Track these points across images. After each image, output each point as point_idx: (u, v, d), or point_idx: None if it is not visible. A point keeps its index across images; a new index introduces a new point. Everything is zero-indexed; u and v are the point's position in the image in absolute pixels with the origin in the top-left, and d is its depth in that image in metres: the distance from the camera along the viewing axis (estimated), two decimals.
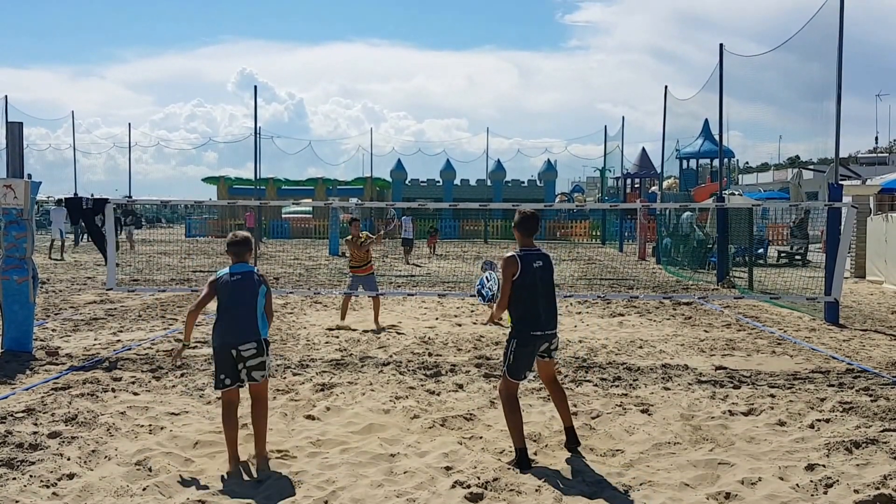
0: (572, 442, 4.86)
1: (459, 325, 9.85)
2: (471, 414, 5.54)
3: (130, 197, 28.47)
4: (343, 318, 9.77)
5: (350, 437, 5.02)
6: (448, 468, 4.46)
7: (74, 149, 34.00)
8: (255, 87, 17.70)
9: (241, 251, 4.79)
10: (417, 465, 4.49)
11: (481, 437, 5.03)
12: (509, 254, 4.71)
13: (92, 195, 10.71)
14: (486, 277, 8.94)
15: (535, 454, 4.73)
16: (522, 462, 4.49)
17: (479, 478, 4.28)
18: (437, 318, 10.46)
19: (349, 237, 9.97)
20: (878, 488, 4.09)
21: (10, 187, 7.66)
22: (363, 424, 5.28)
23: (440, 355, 7.85)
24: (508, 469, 4.43)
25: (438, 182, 40.96)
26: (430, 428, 5.25)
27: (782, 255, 20.19)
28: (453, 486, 4.16)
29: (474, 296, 8.78)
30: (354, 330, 9.28)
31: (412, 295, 12.32)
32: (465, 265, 19.42)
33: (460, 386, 6.42)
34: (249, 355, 4.52)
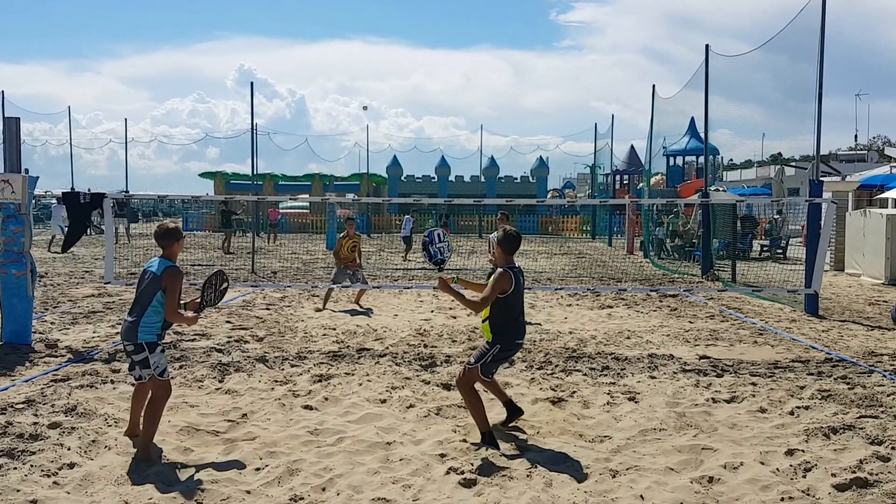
0: (513, 413, 5.24)
1: (454, 318, 10.01)
2: (464, 403, 5.68)
3: (127, 191, 28.37)
4: (324, 306, 10.74)
5: (347, 427, 5.14)
6: (442, 455, 4.59)
7: (71, 144, 33.86)
8: (252, 83, 17.66)
9: (164, 244, 4.77)
10: (413, 453, 4.63)
11: (475, 425, 5.17)
12: (502, 270, 4.86)
13: (89, 189, 10.74)
14: (439, 236, 7.63)
15: (526, 441, 4.90)
16: (493, 442, 4.80)
17: (472, 464, 4.42)
18: (432, 311, 10.61)
19: (344, 234, 10.89)
20: (854, 472, 4.26)
21: (7, 182, 7.70)
22: (360, 414, 5.42)
23: (435, 346, 8.00)
24: (500, 455, 4.59)
25: (434, 178, 41.22)
26: (425, 417, 5.39)
27: (764, 248, 20.50)
28: (447, 473, 4.30)
29: (429, 253, 7.42)
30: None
31: (408, 289, 12.47)
32: (459, 259, 19.57)
33: (454, 376, 6.56)
34: (130, 351, 4.65)
